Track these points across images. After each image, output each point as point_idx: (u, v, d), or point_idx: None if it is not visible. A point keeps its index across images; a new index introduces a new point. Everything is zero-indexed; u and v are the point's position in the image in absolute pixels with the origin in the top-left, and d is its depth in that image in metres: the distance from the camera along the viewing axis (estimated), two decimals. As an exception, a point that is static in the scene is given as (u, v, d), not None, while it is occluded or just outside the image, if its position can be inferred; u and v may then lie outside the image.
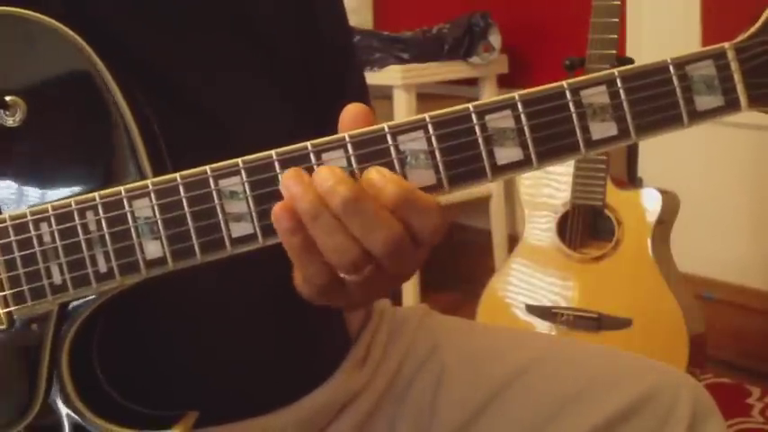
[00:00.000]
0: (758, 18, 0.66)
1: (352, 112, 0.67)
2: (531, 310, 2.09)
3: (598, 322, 2.00)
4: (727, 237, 2.48)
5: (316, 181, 0.64)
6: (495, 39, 2.77)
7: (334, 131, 0.67)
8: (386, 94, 2.68)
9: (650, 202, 1.99)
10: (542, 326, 2.07)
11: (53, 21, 0.70)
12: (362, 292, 0.69)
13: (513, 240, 2.35)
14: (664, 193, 1.99)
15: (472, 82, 2.89)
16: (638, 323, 1.96)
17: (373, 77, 2.54)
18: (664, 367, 0.97)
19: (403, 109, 2.66)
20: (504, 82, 2.89)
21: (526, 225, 2.13)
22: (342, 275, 0.67)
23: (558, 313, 2.05)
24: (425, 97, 2.82)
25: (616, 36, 1.98)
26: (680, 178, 2.16)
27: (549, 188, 2.08)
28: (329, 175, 0.64)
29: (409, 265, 0.68)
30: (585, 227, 2.06)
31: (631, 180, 2.09)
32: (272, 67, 0.86)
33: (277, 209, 0.65)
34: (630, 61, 2.01)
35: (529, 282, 2.10)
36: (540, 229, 2.10)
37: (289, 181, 0.65)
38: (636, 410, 0.91)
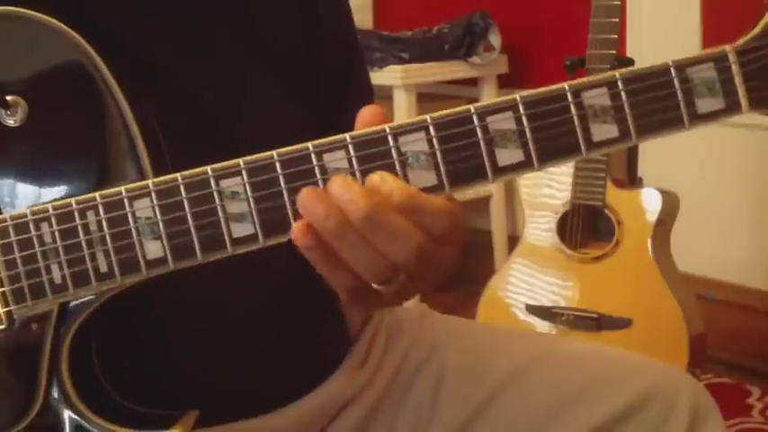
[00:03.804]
0: (759, 21, 0.66)
1: (368, 115, 0.67)
2: (531, 310, 2.09)
3: (598, 322, 2.00)
4: (727, 237, 2.49)
5: (332, 193, 0.64)
6: (495, 39, 2.78)
7: (340, 130, 0.67)
8: (386, 94, 2.68)
9: (650, 202, 1.99)
10: (542, 326, 2.07)
11: (54, 20, 0.70)
12: (397, 295, 0.70)
13: (513, 240, 2.35)
14: (664, 193, 1.99)
15: (472, 82, 2.89)
16: (638, 323, 1.96)
17: (373, 77, 2.53)
18: (664, 367, 0.97)
19: (403, 109, 2.66)
20: (504, 82, 2.89)
21: (526, 225, 2.13)
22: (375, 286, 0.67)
23: (558, 313, 2.05)
24: (425, 97, 2.82)
25: (616, 36, 1.98)
26: (680, 178, 2.16)
27: (549, 188, 2.08)
28: (346, 189, 0.64)
29: (439, 266, 0.68)
30: (585, 227, 2.06)
31: (631, 180, 2.09)
32: (274, 67, 0.86)
33: (296, 229, 0.65)
34: (630, 61, 2.01)
35: (529, 282, 2.10)
36: (540, 229, 2.09)
37: (309, 200, 0.65)
38: (636, 410, 0.91)
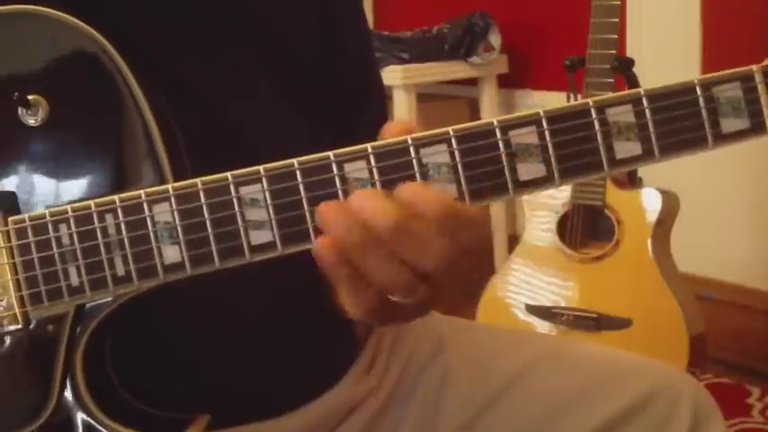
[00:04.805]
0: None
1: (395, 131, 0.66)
2: (531, 310, 2.09)
3: (598, 322, 2.00)
4: (727, 237, 2.49)
5: (354, 206, 0.63)
6: (495, 38, 2.78)
7: (356, 132, 0.67)
8: (386, 94, 2.68)
9: (650, 202, 1.99)
10: (542, 326, 2.07)
11: (75, 19, 0.70)
12: (419, 309, 0.69)
13: (513, 240, 2.35)
14: (664, 193, 1.99)
15: (472, 82, 2.89)
16: (638, 323, 1.96)
17: (374, 77, 2.54)
18: (665, 367, 0.97)
19: (403, 109, 2.66)
20: (504, 82, 2.89)
21: (526, 225, 2.13)
22: (394, 299, 0.66)
23: (558, 313, 2.05)
24: (425, 97, 2.82)
25: (616, 36, 1.98)
26: (680, 178, 2.16)
27: (549, 188, 2.08)
28: (372, 198, 0.63)
29: (464, 276, 0.67)
30: (585, 227, 2.06)
31: (631, 180, 2.09)
32: (287, 74, 0.85)
33: (319, 245, 0.64)
34: (630, 61, 2.01)
35: (529, 282, 2.10)
36: (540, 229, 2.10)
37: (329, 212, 0.64)
38: (637, 410, 0.92)
